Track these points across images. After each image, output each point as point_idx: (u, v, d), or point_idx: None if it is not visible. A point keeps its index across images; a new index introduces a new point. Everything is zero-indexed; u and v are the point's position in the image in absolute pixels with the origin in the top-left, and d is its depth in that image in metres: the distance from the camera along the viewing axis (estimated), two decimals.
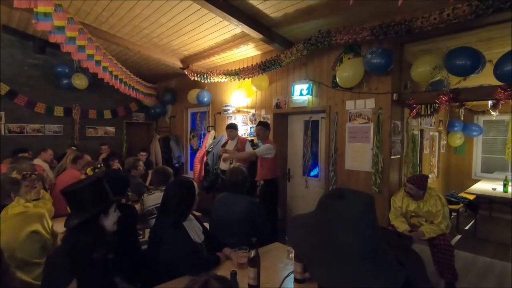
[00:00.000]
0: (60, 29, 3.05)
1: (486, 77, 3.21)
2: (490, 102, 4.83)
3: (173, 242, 1.76)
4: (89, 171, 2.79)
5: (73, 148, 5.36)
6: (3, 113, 5.55)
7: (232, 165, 2.65)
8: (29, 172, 2.30)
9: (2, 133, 5.54)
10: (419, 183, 2.94)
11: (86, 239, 1.44)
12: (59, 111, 6.13)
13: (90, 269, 1.39)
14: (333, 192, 0.76)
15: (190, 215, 2.06)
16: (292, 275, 1.70)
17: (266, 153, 3.87)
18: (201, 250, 1.90)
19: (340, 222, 0.70)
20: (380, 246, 0.72)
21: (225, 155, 4.37)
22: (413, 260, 0.85)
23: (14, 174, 2.28)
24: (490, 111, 5.04)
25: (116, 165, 4.15)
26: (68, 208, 2.96)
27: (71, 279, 1.33)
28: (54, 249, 1.57)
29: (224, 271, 1.81)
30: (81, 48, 3.49)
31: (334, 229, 0.71)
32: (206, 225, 2.50)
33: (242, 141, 4.43)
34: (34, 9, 2.80)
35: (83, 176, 2.91)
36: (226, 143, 4.60)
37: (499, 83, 2.80)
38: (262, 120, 4.73)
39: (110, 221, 1.58)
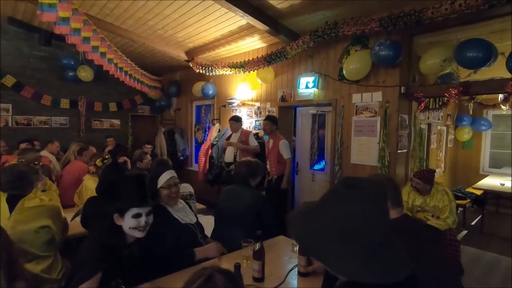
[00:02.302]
0: (65, 20, 3.03)
1: (497, 70, 3.13)
2: (500, 96, 4.72)
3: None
4: (98, 162, 2.82)
5: (77, 143, 5.40)
6: (10, 105, 5.60)
7: (245, 158, 2.64)
8: (35, 162, 2.32)
9: (10, 125, 5.60)
10: (426, 178, 2.90)
11: (101, 233, 1.46)
12: (65, 103, 6.17)
13: (114, 265, 1.41)
14: (347, 181, 0.76)
15: (181, 201, 2.11)
16: (296, 269, 1.70)
17: (288, 151, 3.94)
18: (193, 230, 1.98)
19: (355, 212, 0.71)
20: (390, 236, 0.73)
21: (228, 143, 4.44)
22: (437, 255, 0.86)
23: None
24: (501, 105, 4.93)
25: (122, 159, 4.17)
26: (74, 199, 3.00)
27: (97, 271, 1.37)
28: (86, 239, 1.58)
29: (228, 263, 1.82)
30: (86, 39, 3.47)
31: (348, 219, 0.71)
32: (211, 218, 2.52)
33: (245, 134, 4.42)
34: (39, 0, 2.79)
35: (92, 167, 2.94)
36: (230, 136, 4.60)
37: (511, 76, 2.73)
38: (268, 113, 4.71)
39: (125, 224, 1.51)
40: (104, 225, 1.52)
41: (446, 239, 2.83)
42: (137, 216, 1.50)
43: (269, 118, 4.07)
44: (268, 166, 4.08)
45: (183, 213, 2.01)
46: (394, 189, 1.49)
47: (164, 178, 1.94)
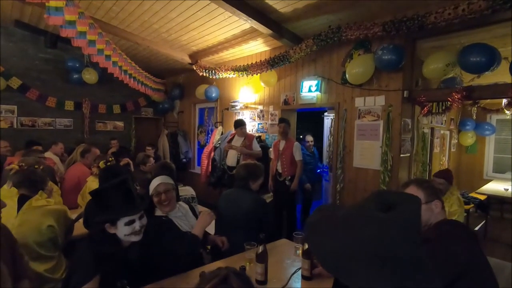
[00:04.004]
0: (71, 23, 3.08)
1: (501, 75, 3.13)
2: (504, 101, 4.72)
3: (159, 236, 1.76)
4: (101, 164, 2.82)
5: (83, 144, 5.42)
6: (15, 107, 5.66)
7: (244, 161, 2.63)
8: (35, 166, 2.34)
9: (15, 126, 5.65)
10: (448, 178, 2.95)
11: (97, 245, 1.45)
12: (69, 105, 6.22)
13: (114, 267, 1.41)
14: (378, 200, 0.72)
15: (184, 206, 2.09)
16: (300, 272, 1.70)
17: (300, 153, 4.04)
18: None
19: (391, 235, 0.67)
20: (423, 254, 0.70)
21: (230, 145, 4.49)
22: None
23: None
24: (504, 109, 4.92)
25: (125, 161, 4.18)
26: (78, 201, 3.02)
27: (94, 273, 1.37)
28: (84, 241, 1.57)
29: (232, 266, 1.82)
30: (92, 42, 3.51)
31: (384, 242, 0.67)
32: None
33: (249, 138, 4.44)
34: (46, 4, 2.83)
35: (95, 169, 2.95)
36: (232, 138, 4.61)
37: None
38: (271, 116, 4.75)
39: (119, 232, 1.46)
40: (94, 233, 1.50)
41: None
42: (130, 223, 1.46)
43: (285, 121, 4.13)
44: (279, 167, 4.12)
45: (184, 220, 1.98)
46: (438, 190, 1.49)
47: (153, 185, 1.92)
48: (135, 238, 1.49)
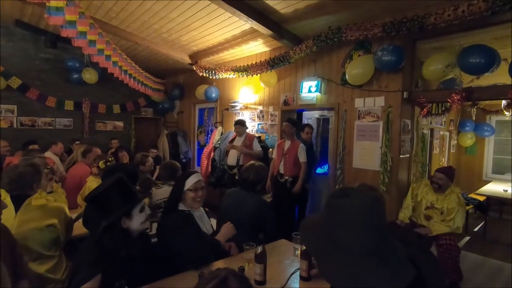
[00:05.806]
0: (72, 23, 3.08)
1: (500, 76, 3.13)
2: (503, 102, 4.73)
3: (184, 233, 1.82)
4: (101, 164, 2.82)
5: (77, 142, 5.42)
6: (15, 107, 5.66)
7: (251, 162, 2.60)
8: (41, 165, 2.32)
9: (14, 126, 5.65)
10: (449, 174, 2.97)
11: (109, 242, 1.46)
12: (69, 105, 6.22)
13: (114, 266, 1.42)
14: (339, 191, 0.77)
15: (200, 208, 2.09)
16: (298, 272, 1.70)
17: (305, 154, 3.89)
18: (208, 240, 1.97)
19: (344, 221, 0.71)
20: (387, 244, 0.71)
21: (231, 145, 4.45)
22: (431, 262, 0.85)
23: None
24: (504, 111, 4.93)
25: (124, 156, 4.19)
26: (78, 201, 3.02)
27: (96, 273, 1.38)
28: (85, 241, 1.59)
29: (231, 266, 1.82)
30: (92, 42, 3.52)
31: (339, 228, 0.71)
32: (213, 221, 2.51)
33: (250, 138, 4.44)
34: (47, 4, 2.84)
35: (94, 169, 2.95)
36: (233, 139, 4.61)
37: None
38: (270, 117, 4.75)
39: (135, 223, 1.54)
40: (105, 231, 1.49)
41: (446, 244, 2.82)
42: (142, 209, 1.58)
43: (290, 121, 4.03)
44: (281, 168, 4.00)
45: (200, 222, 1.99)
46: None
47: (192, 180, 1.94)
48: (147, 224, 1.62)
